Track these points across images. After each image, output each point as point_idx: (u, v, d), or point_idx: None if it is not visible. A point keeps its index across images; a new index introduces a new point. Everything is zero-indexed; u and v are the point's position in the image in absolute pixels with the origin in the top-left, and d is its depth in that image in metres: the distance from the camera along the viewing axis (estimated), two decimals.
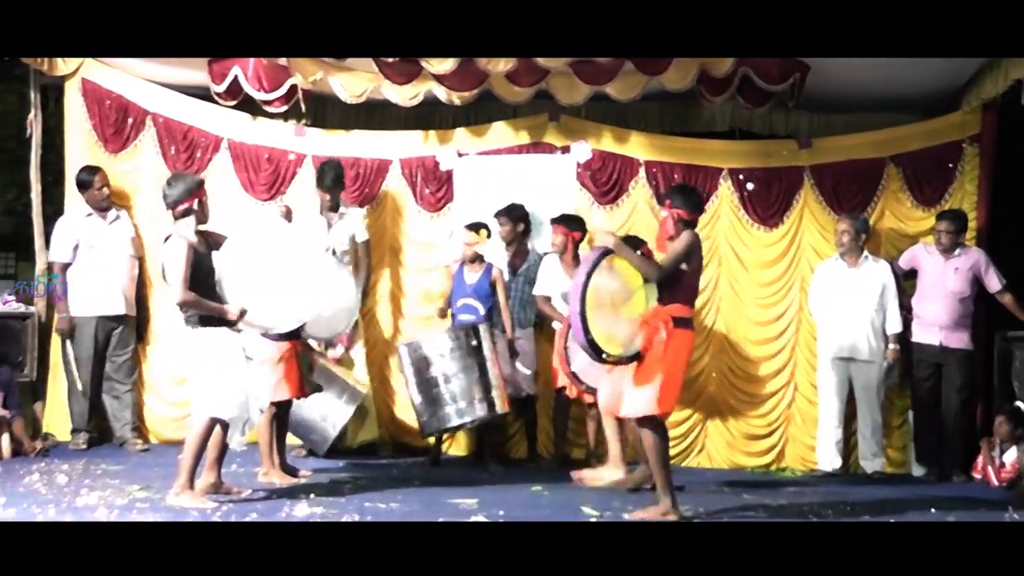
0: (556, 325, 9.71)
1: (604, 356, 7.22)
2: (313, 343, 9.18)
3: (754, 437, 10.36)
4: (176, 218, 7.45)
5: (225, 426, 7.49)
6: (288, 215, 8.81)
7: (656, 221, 10.18)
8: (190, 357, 7.62)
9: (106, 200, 10.04)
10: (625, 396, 7.45)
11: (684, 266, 7.32)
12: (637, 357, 7.29)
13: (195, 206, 7.41)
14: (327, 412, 9.38)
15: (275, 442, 8.58)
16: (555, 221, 9.78)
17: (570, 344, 8.83)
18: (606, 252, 7.26)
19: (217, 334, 7.38)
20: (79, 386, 10.00)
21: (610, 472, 8.85)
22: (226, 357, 7.40)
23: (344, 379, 9.61)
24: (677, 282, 7.32)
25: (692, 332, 7.50)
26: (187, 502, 7.28)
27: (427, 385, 8.95)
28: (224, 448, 7.65)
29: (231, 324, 7.40)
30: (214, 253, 7.46)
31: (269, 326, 7.77)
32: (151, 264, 10.37)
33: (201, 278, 7.31)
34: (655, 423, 7.34)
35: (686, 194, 7.60)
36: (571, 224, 9.73)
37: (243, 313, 7.35)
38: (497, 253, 9.86)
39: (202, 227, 7.51)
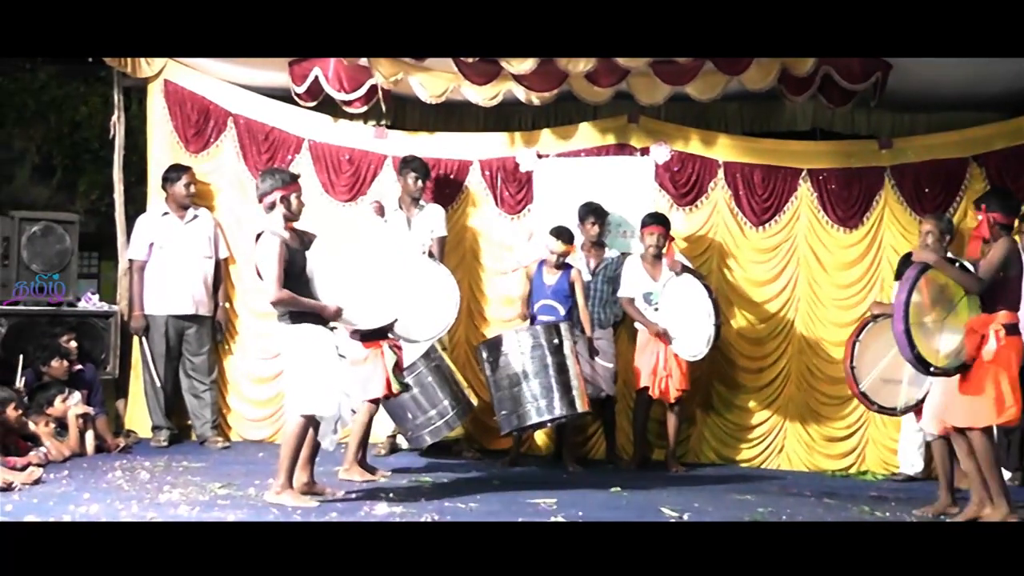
0: (639, 327, 9.69)
1: (932, 369, 7.23)
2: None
3: (834, 439, 10.27)
4: (265, 212, 7.49)
5: (317, 425, 7.51)
6: (380, 211, 8.85)
7: (735, 221, 10.21)
8: (283, 354, 7.62)
9: (189, 198, 10.16)
10: (957, 408, 7.42)
11: (1002, 273, 7.28)
12: (963, 368, 7.27)
13: (282, 200, 7.43)
14: (444, 411, 9.34)
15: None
16: (650, 221, 9.77)
17: (856, 364, 8.58)
18: (925, 268, 7.26)
19: (312, 331, 7.38)
20: (157, 383, 10.12)
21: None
22: (321, 355, 7.39)
23: (461, 385, 9.63)
24: (1000, 289, 7.30)
25: (1020, 338, 7.41)
26: (288, 501, 7.30)
27: (507, 383, 8.90)
28: (316, 447, 7.68)
29: (326, 322, 7.43)
30: (307, 251, 7.48)
31: (361, 324, 7.78)
32: (236, 264, 10.53)
33: (295, 275, 7.32)
34: (985, 429, 7.36)
35: (1003, 197, 7.58)
36: (668, 223, 9.74)
37: (339, 311, 7.38)
38: (574, 253, 9.84)
39: (294, 224, 7.54)
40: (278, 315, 7.47)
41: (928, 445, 9.68)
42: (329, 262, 7.46)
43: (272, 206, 7.44)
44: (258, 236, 7.43)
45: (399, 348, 8.47)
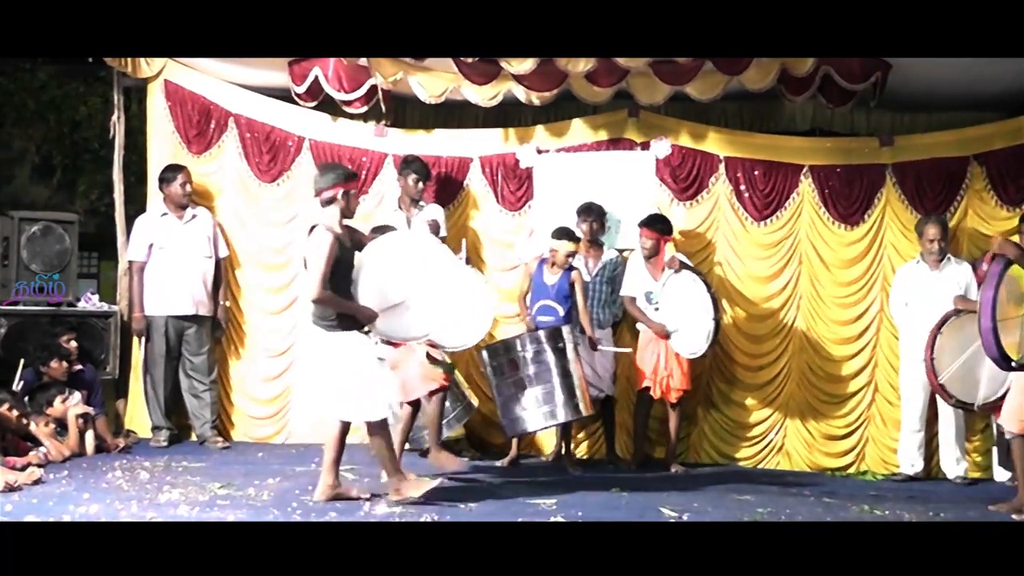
0: (640, 326, 9.69)
1: (1013, 364, 7.24)
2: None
3: (834, 438, 10.28)
4: (321, 206, 7.47)
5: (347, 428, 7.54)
6: (435, 228, 8.86)
7: (736, 217, 10.21)
8: (321, 360, 7.54)
9: (186, 198, 10.15)
10: None
11: None
12: None
13: (339, 196, 7.42)
14: (446, 412, 9.21)
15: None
16: (645, 224, 9.74)
17: (937, 355, 8.67)
18: (1009, 263, 7.25)
19: (352, 338, 7.37)
20: (160, 387, 10.14)
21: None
22: (363, 360, 7.39)
23: (462, 386, 9.64)
24: None
25: None
26: (412, 492, 7.40)
27: (511, 388, 8.89)
28: (342, 450, 7.67)
29: (362, 326, 7.41)
30: (358, 251, 7.49)
31: (396, 335, 7.70)
32: (241, 265, 10.59)
33: (341, 275, 7.32)
34: None
35: None
36: (662, 228, 9.71)
37: (375, 315, 7.36)
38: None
39: (348, 222, 7.55)
40: (315, 319, 7.45)
41: (928, 445, 9.75)
42: (375, 268, 7.43)
43: (329, 201, 7.44)
44: (311, 229, 7.43)
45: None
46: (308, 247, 7.39)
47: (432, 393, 8.60)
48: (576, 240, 9.45)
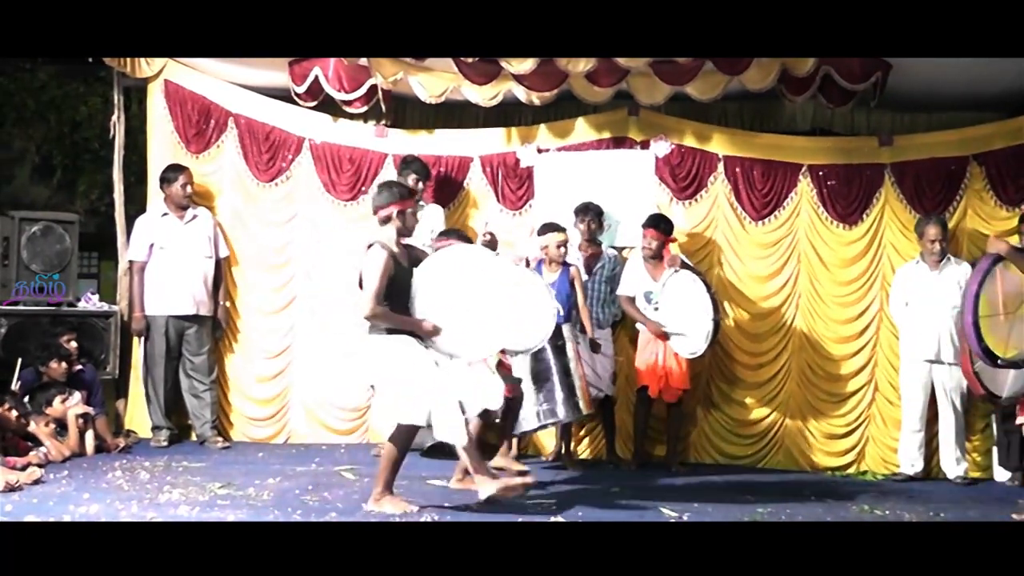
0: (639, 326, 9.69)
1: (999, 361, 7.23)
2: None
3: (833, 437, 10.27)
4: (379, 224, 7.48)
5: (413, 432, 7.47)
6: (493, 243, 8.85)
7: (735, 216, 10.21)
8: (373, 366, 7.49)
9: (187, 199, 10.15)
10: None
11: None
12: None
13: (395, 215, 7.42)
14: None
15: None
16: (649, 225, 9.73)
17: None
18: (997, 259, 7.25)
19: (402, 341, 7.31)
20: (160, 387, 10.14)
21: None
22: (414, 364, 7.30)
23: None
24: None
25: None
26: (388, 508, 7.27)
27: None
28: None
29: (420, 337, 7.37)
30: (415, 268, 7.46)
31: (456, 353, 7.53)
32: (240, 264, 10.59)
33: (397, 292, 7.29)
34: None
35: None
36: (666, 229, 9.71)
37: (435, 329, 7.32)
38: (570, 252, 9.81)
39: (405, 240, 7.55)
40: (368, 327, 7.43)
41: (928, 445, 9.75)
42: (434, 284, 7.40)
43: (387, 220, 7.45)
44: (368, 247, 7.41)
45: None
46: (363, 264, 7.37)
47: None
48: (563, 229, 9.45)
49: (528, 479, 7.65)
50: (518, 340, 8.25)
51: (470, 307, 7.38)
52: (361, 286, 7.34)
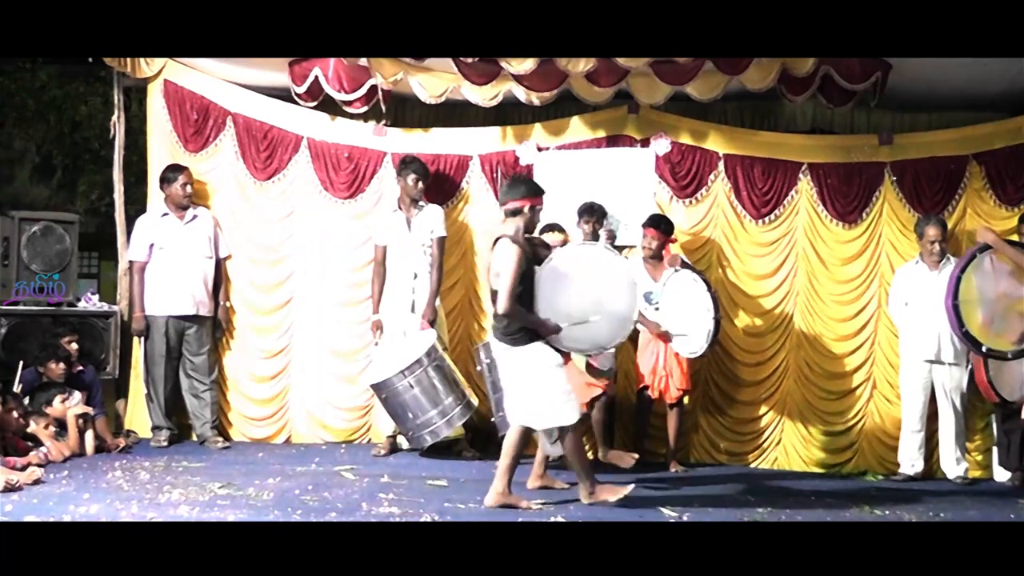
0: (640, 326, 9.68)
1: (984, 349, 7.25)
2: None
3: (832, 434, 10.26)
4: (505, 216, 7.56)
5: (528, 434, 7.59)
6: (611, 238, 8.86)
7: (735, 214, 10.21)
8: (506, 369, 7.64)
9: (187, 199, 10.15)
10: None
11: None
12: None
13: (525, 209, 7.48)
14: (445, 411, 9.33)
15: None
16: (650, 225, 9.72)
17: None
18: (984, 248, 7.27)
19: (538, 347, 7.41)
20: (160, 387, 10.13)
21: None
22: (550, 367, 7.41)
23: (462, 385, 9.62)
24: None
25: None
26: (607, 496, 7.51)
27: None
28: (519, 457, 7.68)
29: (542, 338, 7.42)
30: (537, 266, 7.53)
31: (577, 347, 7.71)
32: (234, 261, 10.55)
33: (524, 288, 7.36)
34: None
35: None
36: (667, 229, 9.69)
37: (558, 329, 7.38)
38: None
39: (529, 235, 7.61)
40: (497, 334, 7.53)
41: (928, 444, 9.74)
42: (555, 281, 7.49)
43: (515, 212, 7.51)
44: (495, 241, 7.49)
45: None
46: (495, 259, 7.46)
47: (594, 400, 8.67)
48: (563, 230, 9.46)
49: (628, 488, 7.72)
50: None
51: (588, 305, 7.51)
52: (493, 283, 7.48)
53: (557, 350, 7.55)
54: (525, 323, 7.35)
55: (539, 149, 10.47)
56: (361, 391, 10.33)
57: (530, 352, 7.41)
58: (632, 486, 7.68)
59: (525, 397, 7.53)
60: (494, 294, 7.47)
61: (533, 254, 7.52)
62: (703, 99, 9.83)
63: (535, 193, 7.61)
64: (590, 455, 10.07)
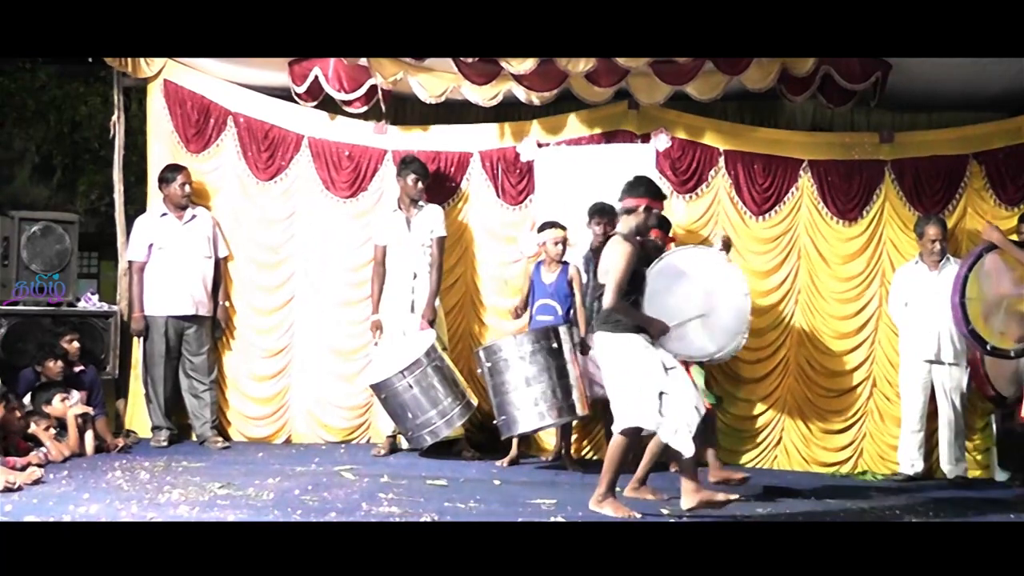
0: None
1: (989, 347, 7.25)
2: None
3: (832, 432, 10.26)
4: (621, 212, 7.57)
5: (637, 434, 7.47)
6: (727, 245, 8.85)
7: (735, 211, 10.21)
8: (605, 363, 7.58)
9: (186, 199, 10.16)
10: None
11: None
12: None
13: (642, 209, 7.46)
14: (444, 411, 9.34)
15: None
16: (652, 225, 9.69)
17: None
18: (990, 247, 7.27)
19: (633, 340, 7.35)
20: (160, 387, 10.13)
21: None
22: (651, 366, 7.31)
23: (462, 385, 9.63)
24: None
25: None
26: (609, 511, 7.34)
27: (507, 387, 8.92)
28: (626, 459, 7.57)
29: (645, 330, 7.40)
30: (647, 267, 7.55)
31: (683, 352, 7.66)
32: (236, 262, 10.57)
33: (633, 286, 7.36)
34: None
35: None
36: (666, 227, 9.66)
37: (666, 329, 7.39)
38: (569, 252, 9.79)
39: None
40: (598, 324, 7.51)
41: (927, 444, 9.74)
42: (665, 282, 7.54)
43: (630, 211, 7.51)
44: (609, 237, 7.51)
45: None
46: (604, 256, 7.47)
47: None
48: (562, 227, 9.45)
49: (731, 497, 7.60)
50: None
51: (700, 309, 7.56)
52: (603, 278, 7.42)
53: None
54: (631, 320, 7.33)
55: (539, 145, 10.45)
56: (360, 390, 10.33)
57: (627, 342, 7.33)
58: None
59: (617, 389, 7.44)
60: (601, 288, 7.45)
61: (644, 255, 7.52)
62: (703, 99, 9.84)
63: (654, 196, 7.59)
64: (591, 453, 10.17)
